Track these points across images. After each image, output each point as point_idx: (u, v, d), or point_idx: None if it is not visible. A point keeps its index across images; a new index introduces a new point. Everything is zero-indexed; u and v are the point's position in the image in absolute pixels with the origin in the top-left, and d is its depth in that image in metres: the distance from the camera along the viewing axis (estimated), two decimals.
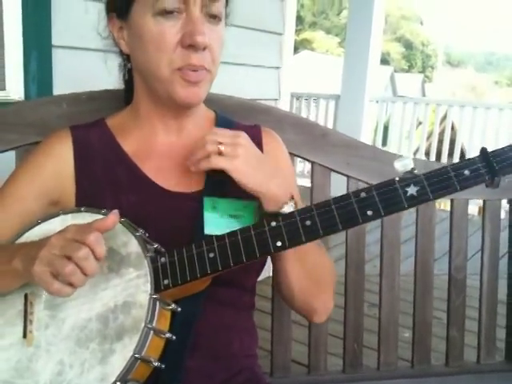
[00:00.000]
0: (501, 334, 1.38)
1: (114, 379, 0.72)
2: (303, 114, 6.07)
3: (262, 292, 1.13)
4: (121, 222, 0.81)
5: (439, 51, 60.64)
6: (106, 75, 2.04)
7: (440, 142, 5.23)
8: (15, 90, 1.76)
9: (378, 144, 5.59)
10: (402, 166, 0.74)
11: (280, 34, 2.84)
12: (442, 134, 5.30)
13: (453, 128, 5.32)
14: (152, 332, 0.74)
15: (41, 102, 1.14)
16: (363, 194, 0.74)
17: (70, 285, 0.71)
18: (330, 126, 5.75)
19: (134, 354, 0.72)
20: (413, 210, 1.20)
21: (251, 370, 0.91)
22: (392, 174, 0.75)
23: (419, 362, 1.30)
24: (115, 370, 0.72)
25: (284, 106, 3.05)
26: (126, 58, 0.95)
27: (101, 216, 0.83)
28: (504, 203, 1.39)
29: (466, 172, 0.72)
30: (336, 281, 0.96)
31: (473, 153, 5.12)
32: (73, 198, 0.90)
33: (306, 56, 32.26)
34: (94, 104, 1.11)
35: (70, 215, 0.86)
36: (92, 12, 1.94)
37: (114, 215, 0.74)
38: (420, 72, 54.55)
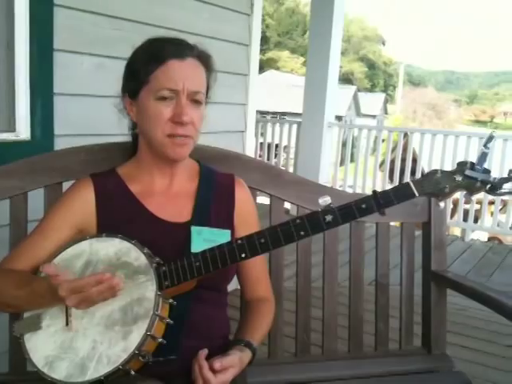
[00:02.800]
0: (417, 329, 1.76)
1: (133, 349, 1.05)
2: (268, 135, 6.50)
3: (231, 302, 1.40)
4: (132, 243, 1.17)
5: (400, 71, 62.43)
6: (96, 116, 2.41)
7: (392, 162, 5.72)
8: (23, 131, 2.07)
9: (337, 164, 6.06)
10: (324, 201, 1.12)
11: (246, 75, 3.24)
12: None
13: (405, 150, 5.80)
14: (157, 318, 1.08)
15: (63, 151, 1.47)
16: (298, 221, 1.12)
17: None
18: (292, 145, 6.20)
19: (146, 332, 1.06)
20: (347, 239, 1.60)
21: (225, 346, 1.26)
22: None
23: (354, 348, 1.68)
24: (133, 344, 1.06)
25: (250, 135, 3.44)
26: (134, 123, 1.31)
27: (117, 239, 1.18)
28: None
29: (363, 206, 1.11)
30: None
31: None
32: (95, 228, 1.25)
33: (271, 75, 32.93)
34: (105, 153, 1.46)
35: (94, 239, 1.20)
36: (86, 64, 2.30)
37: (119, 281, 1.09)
38: (382, 91, 56.03)
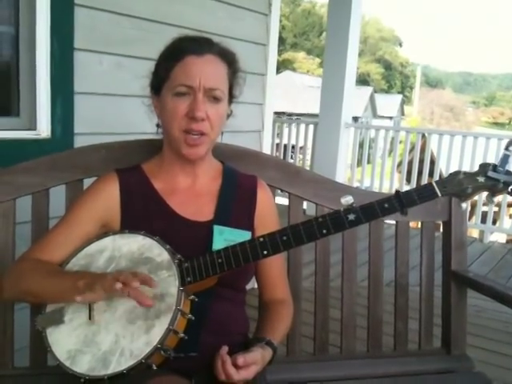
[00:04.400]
0: (436, 331, 1.74)
1: (155, 343, 1.06)
2: (285, 135, 6.51)
3: (248, 301, 1.38)
4: (155, 240, 1.18)
5: (418, 72, 61.98)
6: (115, 115, 2.43)
7: (410, 163, 5.68)
8: (44, 129, 2.10)
9: (354, 165, 6.03)
10: (346, 201, 1.12)
11: (263, 75, 3.25)
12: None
13: (423, 151, 5.76)
14: (180, 313, 1.09)
15: (84, 148, 1.49)
16: (320, 219, 1.13)
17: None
18: (309, 146, 6.20)
19: (169, 326, 1.07)
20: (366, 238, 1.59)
21: (245, 343, 1.27)
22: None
23: (372, 348, 1.66)
24: (156, 338, 1.07)
25: (267, 135, 3.44)
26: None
27: (140, 236, 1.19)
28: None
29: (386, 205, 1.11)
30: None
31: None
32: (118, 223, 1.26)
33: (287, 76, 32.91)
34: (125, 151, 1.47)
35: (118, 235, 1.22)
36: (105, 63, 2.32)
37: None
38: (399, 92, 55.69)
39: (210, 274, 1.14)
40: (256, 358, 1.14)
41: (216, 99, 1.23)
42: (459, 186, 1.15)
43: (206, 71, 1.21)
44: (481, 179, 1.15)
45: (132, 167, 1.33)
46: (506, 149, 1.17)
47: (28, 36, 2.03)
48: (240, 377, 1.10)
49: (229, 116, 1.33)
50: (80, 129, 2.21)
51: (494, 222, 5.50)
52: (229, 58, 1.27)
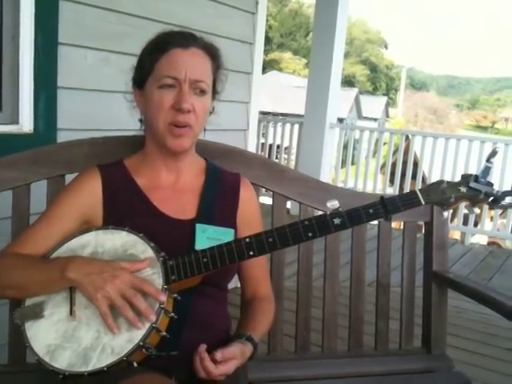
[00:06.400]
0: (417, 331, 1.75)
1: (138, 340, 1.05)
2: (270, 135, 6.52)
3: (231, 300, 1.39)
4: (139, 237, 1.17)
5: (403, 74, 62.45)
6: (100, 110, 2.41)
7: (393, 165, 5.73)
8: (26, 124, 2.07)
9: (338, 166, 6.06)
10: (332, 205, 1.14)
11: (249, 74, 3.24)
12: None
13: (406, 153, 5.81)
14: (163, 311, 1.09)
15: (67, 144, 1.47)
16: (306, 222, 1.13)
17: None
18: (294, 146, 6.23)
19: (152, 324, 1.07)
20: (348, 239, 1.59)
21: (227, 340, 1.26)
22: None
23: (354, 347, 1.67)
24: (138, 335, 1.06)
25: (252, 134, 3.43)
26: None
27: (124, 232, 1.18)
28: None
29: (371, 210, 1.13)
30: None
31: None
32: (101, 219, 1.24)
33: (273, 76, 32.95)
34: (108, 146, 1.45)
35: (101, 231, 1.20)
36: (90, 58, 2.30)
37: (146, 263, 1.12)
38: (384, 94, 56.04)
39: (194, 273, 1.13)
40: (235, 353, 1.15)
41: (201, 92, 1.23)
42: (442, 194, 1.18)
43: (191, 63, 1.21)
44: (463, 189, 1.18)
45: (114, 163, 1.32)
46: (488, 161, 1.21)
47: (11, 29, 2.00)
48: (219, 371, 1.11)
49: (211, 113, 1.32)
50: (63, 124, 2.18)
51: (476, 224, 5.57)
52: (213, 53, 1.27)
